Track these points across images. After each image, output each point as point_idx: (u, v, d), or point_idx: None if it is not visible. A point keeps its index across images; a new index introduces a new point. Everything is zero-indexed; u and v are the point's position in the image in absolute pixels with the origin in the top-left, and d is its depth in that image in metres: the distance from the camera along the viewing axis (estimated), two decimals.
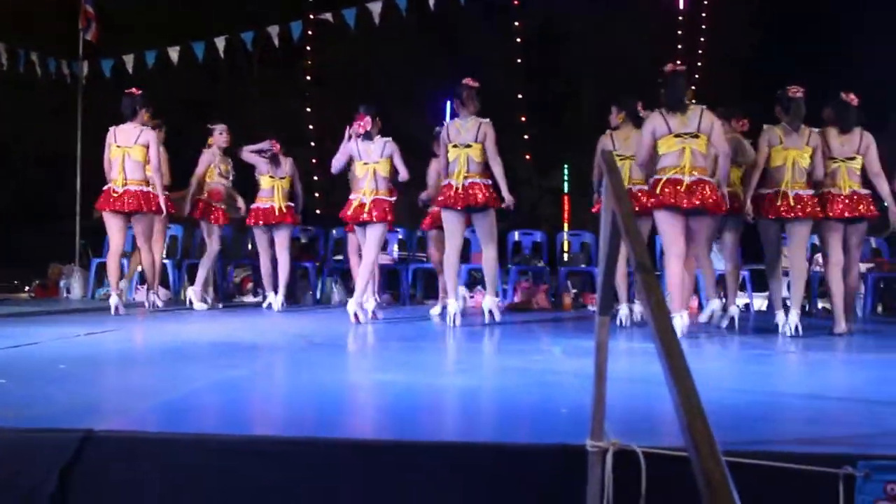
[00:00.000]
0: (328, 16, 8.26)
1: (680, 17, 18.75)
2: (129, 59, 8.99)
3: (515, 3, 16.79)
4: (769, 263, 5.57)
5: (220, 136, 6.95)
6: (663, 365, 1.17)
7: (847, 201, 5.31)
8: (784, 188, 5.16)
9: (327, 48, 17.04)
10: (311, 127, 17.93)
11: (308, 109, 18.07)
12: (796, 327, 4.99)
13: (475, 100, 5.53)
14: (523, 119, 17.99)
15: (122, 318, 5.67)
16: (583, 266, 8.59)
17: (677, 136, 4.79)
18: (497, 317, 5.46)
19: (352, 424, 2.19)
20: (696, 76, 18.94)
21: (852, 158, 5.39)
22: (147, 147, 6.04)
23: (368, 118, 5.64)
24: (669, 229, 4.82)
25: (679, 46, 18.76)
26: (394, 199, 5.78)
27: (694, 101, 5.41)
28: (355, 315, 5.40)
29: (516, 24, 16.97)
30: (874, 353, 4.63)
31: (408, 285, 8.44)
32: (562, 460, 1.87)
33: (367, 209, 5.58)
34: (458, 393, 2.74)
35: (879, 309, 8.95)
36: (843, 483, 1.84)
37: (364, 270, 5.59)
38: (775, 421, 2.21)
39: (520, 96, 17.72)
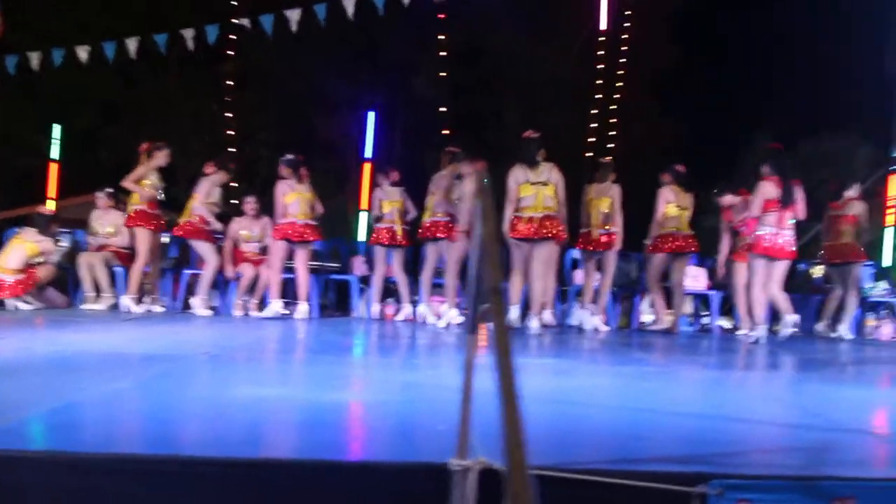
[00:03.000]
0: (245, 21, 8.14)
1: (602, 39, 19.15)
2: (34, 56, 8.66)
3: (441, 16, 16.89)
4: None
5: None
6: (497, 387, 1.19)
7: (681, 240, 7.49)
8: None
9: (250, 54, 16.82)
10: (231, 133, 17.64)
11: (229, 115, 17.76)
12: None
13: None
14: (447, 132, 18.10)
15: (12, 327, 5.50)
16: None
17: (532, 184, 6.63)
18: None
19: (221, 442, 2.15)
20: (618, 96, 19.41)
21: (686, 209, 7.51)
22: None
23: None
24: (517, 253, 6.79)
25: (601, 67, 19.19)
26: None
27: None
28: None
29: (441, 37, 17.08)
30: (743, 371, 4.83)
31: (318, 295, 8.35)
32: (425, 479, 1.87)
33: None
34: (339, 409, 2.72)
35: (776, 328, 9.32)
36: (699, 501, 1.90)
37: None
38: (643, 439, 2.28)
39: (444, 110, 17.82)
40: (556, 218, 6.62)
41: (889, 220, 12.79)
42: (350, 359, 4.45)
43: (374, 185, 8.13)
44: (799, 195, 6.69)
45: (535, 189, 6.62)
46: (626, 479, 1.89)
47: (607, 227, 7.42)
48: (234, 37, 15.91)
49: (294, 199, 7.25)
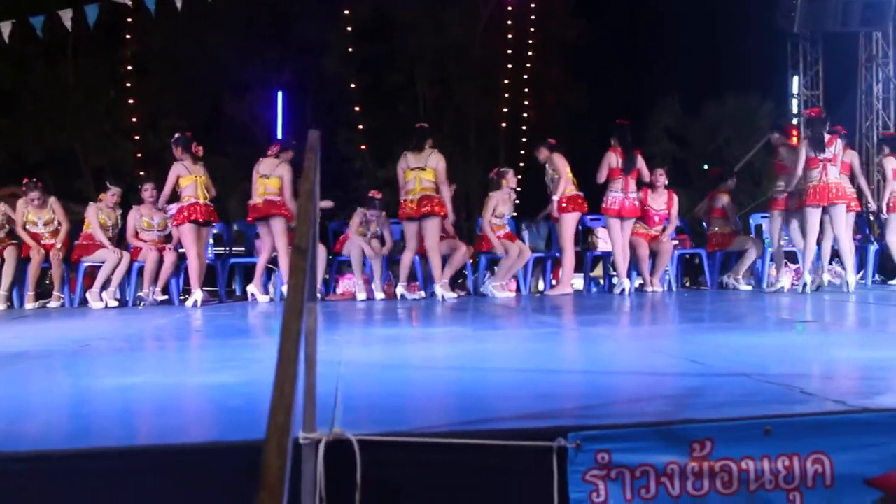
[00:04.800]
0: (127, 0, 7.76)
1: (509, 8, 19.12)
2: None
3: None
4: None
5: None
6: (278, 348, 1.10)
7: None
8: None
9: (151, 36, 16.24)
10: (134, 119, 17.04)
11: (131, 101, 17.14)
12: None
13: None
14: (358, 109, 17.86)
15: None
16: None
17: (412, 169, 7.33)
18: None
19: (66, 433, 2.02)
20: (528, 65, 19.45)
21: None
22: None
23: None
24: (408, 231, 7.50)
25: (510, 36, 19.18)
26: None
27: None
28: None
29: (346, 12, 16.80)
30: (634, 327, 4.89)
31: (224, 280, 8.13)
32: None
33: None
34: (208, 391, 2.60)
35: (688, 283, 9.54)
36: (557, 455, 1.85)
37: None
38: (504, 398, 2.23)
39: (353, 86, 17.57)
40: (434, 196, 7.31)
41: None
42: (239, 341, 4.31)
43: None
44: (640, 163, 7.77)
45: (415, 174, 7.32)
46: (483, 440, 1.83)
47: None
48: (130, 19, 15.36)
49: (190, 181, 7.07)
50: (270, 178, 7.34)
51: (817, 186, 6.89)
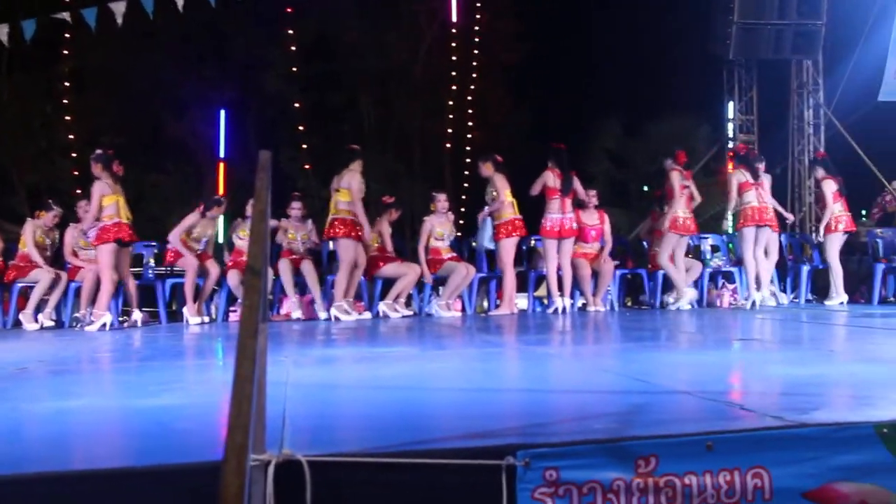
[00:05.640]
0: (65, 15, 7.61)
1: (454, 31, 19.32)
2: None
3: (288, 10, 16.56)
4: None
5: None
6: (235, 368, 1.10)
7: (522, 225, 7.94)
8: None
9: (89, 53, 15.95)
10: (71, 136, 16.67)
11: (68, 118, 16.77)
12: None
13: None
14: (302, 128, 17.78)
15: None
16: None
17: (334, 191, 7.44)
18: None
19: (2, 459, 1.96)
20: (472, 87, 19.64)
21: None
22: None
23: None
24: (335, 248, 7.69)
25: (454, 58, 19.36)
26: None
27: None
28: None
29: (290, 31, 16.75)
30: (579, 346, 4.96)
31: (165, 300, 7.98)
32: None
33: None
34: (152, 413, 2.54)
35: (629, 302, 9.70)
36: (506, 473, 1.87)
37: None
38: (452, 417, 2.24)
39: (297, 105, 17.48)
40: (337, 219, 7.40)
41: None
42: (179, 363, 4.24)
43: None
44: (576, 184, 8.04)
45: (333, 195, 7.46)
46: (432, 459, 1.84)
47: None
48: (68, 35, 15.06)
49: (112, 201, 6.93)
50: None
51: (755, 208, 7.56)
